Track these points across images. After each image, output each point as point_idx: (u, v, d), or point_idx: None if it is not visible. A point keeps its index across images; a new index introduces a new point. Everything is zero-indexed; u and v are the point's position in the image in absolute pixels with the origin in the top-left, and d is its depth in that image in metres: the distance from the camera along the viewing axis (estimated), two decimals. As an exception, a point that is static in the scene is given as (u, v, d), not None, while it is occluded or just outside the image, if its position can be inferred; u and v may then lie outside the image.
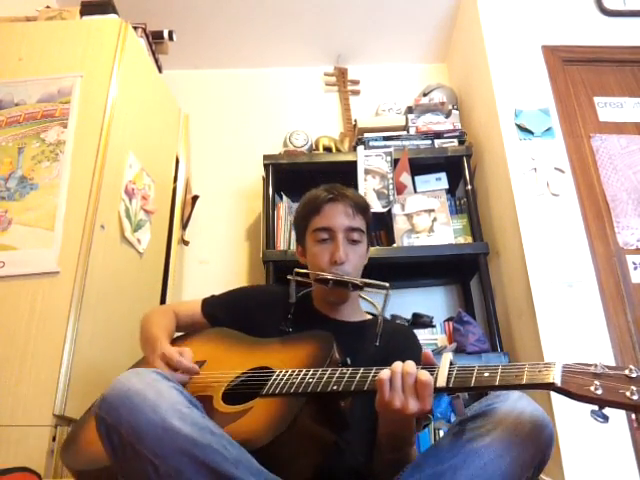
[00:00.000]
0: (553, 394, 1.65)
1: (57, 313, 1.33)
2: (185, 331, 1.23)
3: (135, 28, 1.87)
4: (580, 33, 2.15)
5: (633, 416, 0.64)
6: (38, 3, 1.91)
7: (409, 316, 2.09)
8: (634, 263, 1.78)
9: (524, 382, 0.70)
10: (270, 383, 0.90)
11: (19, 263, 1.37)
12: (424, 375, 0.75)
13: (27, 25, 1.76)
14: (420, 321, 2.05)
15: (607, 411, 0.64)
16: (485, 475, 0.73)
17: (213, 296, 1.28)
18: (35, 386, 1.25)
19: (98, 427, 0.76)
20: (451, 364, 0.78)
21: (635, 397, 0.61)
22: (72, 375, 1.29)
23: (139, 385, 0.76)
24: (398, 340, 1.15)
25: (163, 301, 1.91)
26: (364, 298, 1.21)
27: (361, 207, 1.20)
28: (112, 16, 1.79)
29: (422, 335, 2.01)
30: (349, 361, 0.94)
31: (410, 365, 0.77)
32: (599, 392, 0.63)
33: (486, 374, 0.74)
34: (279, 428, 0.79)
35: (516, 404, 0.80)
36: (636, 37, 2.14)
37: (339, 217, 1.16)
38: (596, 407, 0.64)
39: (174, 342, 1.18)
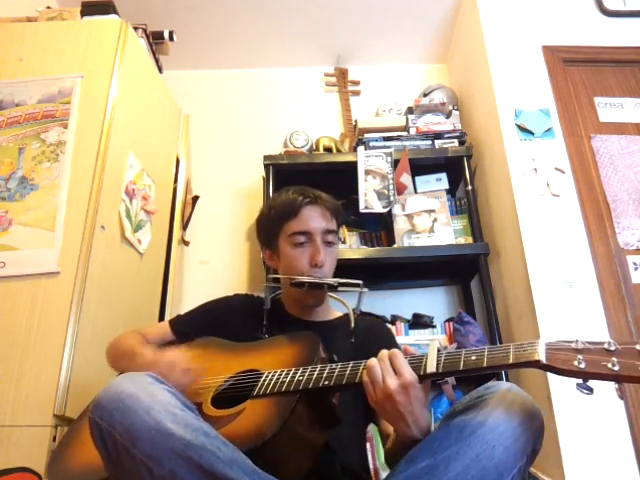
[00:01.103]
0: (553, 396, 1.65)
1: (57, 313, 1.33)
2: None
3: (136, 29, 1.87)
4: (580, 33, 2.15)
5: (616, 386, 0.67)
6: (39, 3, 1.91)
7: (409, 316, 2.09)
8: (634, 263, 1.78)
9: (511, 362, 0.73)
10: (260, 384, 0.90)
11: (19, 263, 1.37)
12: (392, 352, 0.80)
13: (28, 25, 1.76)
14: (420, 321, 2.05)
15: (592, 383, 0.67)
16: (479, 466, 0.73)
17: (179, 315, 1.27)
18: (35, 386, 1.25)
19: (92, 431, 0.76)
20: (438, 351, 0.80)
21: (616, 368, 0.64)
22: (72, 375, 1.29)
23: (132, 388, 0.76)
24: (373, 334, 1.18)
25: (163, 301, 1.91)
26: (334, 298, 1.21)
27: (336, 210, 1.22)
28: (113, 17, 1.79)
29: (423, 335, 2.01)
30: (336, 358, 0.95)
31: (373, 361, 0.81)
32: (582, 366, 0.67)
33: (473, 357, 0.76)
34: (273, 427, 0.80)
35: (506, 395, 0.81)
36: (636, 37, 2.14)
37: (317, 220, 1.18)
38: (581, 380, 0.68)
39: None
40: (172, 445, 0.69)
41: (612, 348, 0.67)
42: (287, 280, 1.16)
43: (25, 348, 1.29)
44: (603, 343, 0.68)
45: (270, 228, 1.24)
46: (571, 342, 0.70)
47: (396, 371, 0.78)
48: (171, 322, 1.24)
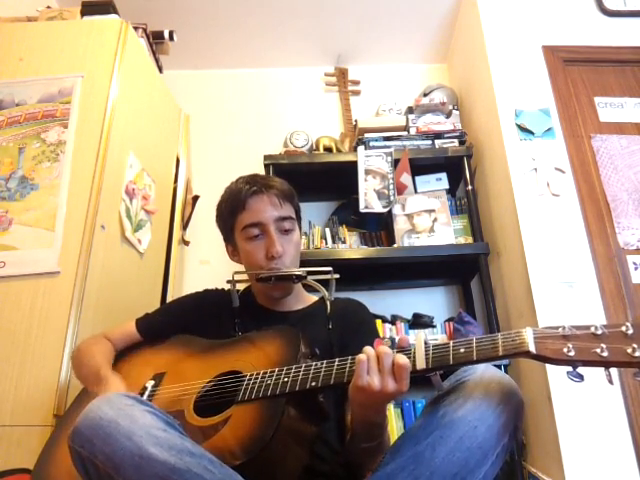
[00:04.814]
0: (553, 396, 1.65)
1: (57, 313, 1.33)
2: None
3: (136, 28, 1.87)
4: (580, 33, 2.15)
5: (606, 371, 0.66)
6: (39, 3, 1.91)
7: (409, 316, 2.09)
8: (634, 263, 1.78)
9: (501, 354, 0.72)
10: (244, 388, 0.87)
11: (20, 263, 1.37)
12: (401, 358, 0.76)
13: (28, 25, 1.76)
14: (421, 321, 2.06)
15: (582, 371, 0.67)
16: (463, 447, 0.74)
17: (147, 314, 1.23)
18: (35, 386, 1.25)
19: (73, 460, 0.74)
20: (425, 344, 0.79)
21: (605, 354, 0.65)
22: (72, 375, 1.28)
23: (111, 413, 0.73)
24: (348, 315, 1.14)
25: (164, 301, 1.91)
26: (311, 284, 1.16)
27: (287, 194, 1.15)
28: (113, 16, 1.79)
29: (423, 336, 2.01)
30: (318, 352, 0.93)
31: (386, 347, 0.78)
32: (572, 354, 0.66)
33: (462, 350, 0.75)
34: (266, 434, 0.77)
35: (483, 375, 0.81)
36: (636, 37, 2.14)
37: (267, 209, 1.11)
38: (571, 368, 0.67)
39: (126, 354, 1.15)
40: (157, 471, 0.67)
41: (599, 332, 0.67)
42: (253, 275, 1.11)
43: (25, 348, 1.29)
44: (589, 327, 0.68)
45: (225, 224, 1.18)
46: (557, 328, 0.70)
47: (397, 378, 0.76)
48: (138, 322, 1.20)
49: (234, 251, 1.20)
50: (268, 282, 1.08)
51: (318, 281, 1.13)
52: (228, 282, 1.15)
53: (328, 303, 1.11)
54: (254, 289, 1.22)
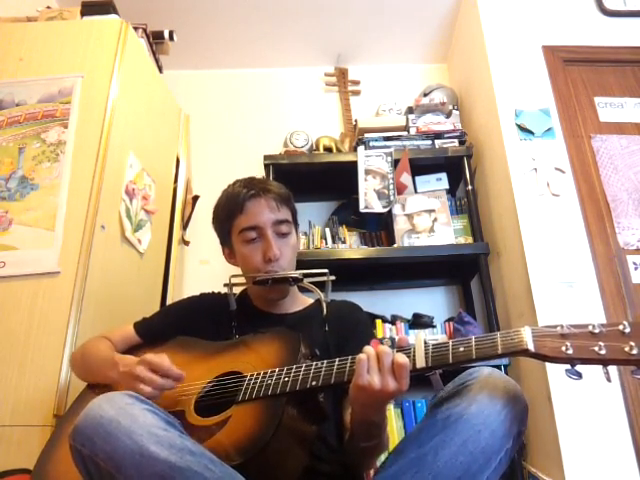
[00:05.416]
0: (553, 396, 1.64)
1: (57, 313, 1.33)
2: None
3: (136, 28, 1.87)
4: (580, 33, 2.15)
5: (604, 369, 0.67)
6: (39, 3, 1.91)
7: (409, 316, 2.09)
8: (634, 263, 1.78)
9: (500, 352, 0.72)
10: (244, 388, 0.87)
11: (20, 263, 1.37)
12: (401, 357, 0.76)
13: (28, 25, 1.76)
14: (421, 321, 2.06)
15: (580, 368, 0.68)
16: (466, 451, 0.74)
17: (145, 318, 1.23)
18: (35, 386, 1.25)
19: (74, 458, 0.74)
20: (425, 343, 0.79)
21: (603, 352, 0.65)
22: (72, 375, 1.28)
23: (111, 411, 0.73)
24: (345, 317, 1.15)
25: (164, 301, 1.91)
26: (307, 286, 1.17)
27: (284, 197, 1.16)
28: (113, 16, 1.79)
29: (422, 335, 2.01)
30: (317, 352, 0.93)
31: (385, 347, 0.78)
32: (570, 352, 0.67)
33: (461, 348, 0.76)
34: (266, 434, 0.77)
35: (488, 379, 0.81)
36: (636, 37, 2.14)
37: (264, 213, 1.12)
38: (569, 366, 0.68)
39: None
40: (157, 469, 0.68)
41: (597, 331, 0.68)
42: (250, 278, 1.12)
43: (25, 348, 1.29)
44: (587, 326, 0.69)
45: (222, 226, 1.19)
46: (556, 327, 0.71)
47: (397, 377, 0.76)
48: (136, 325, 1.20)
49: (231, 253, 1.20)
50: (265, 285, 1.09)
51: (315, 283, 1.13)
52: (225, 285, 1.16)
53: (324, 305, 1.12)
54: (251, 292, 1.23)
